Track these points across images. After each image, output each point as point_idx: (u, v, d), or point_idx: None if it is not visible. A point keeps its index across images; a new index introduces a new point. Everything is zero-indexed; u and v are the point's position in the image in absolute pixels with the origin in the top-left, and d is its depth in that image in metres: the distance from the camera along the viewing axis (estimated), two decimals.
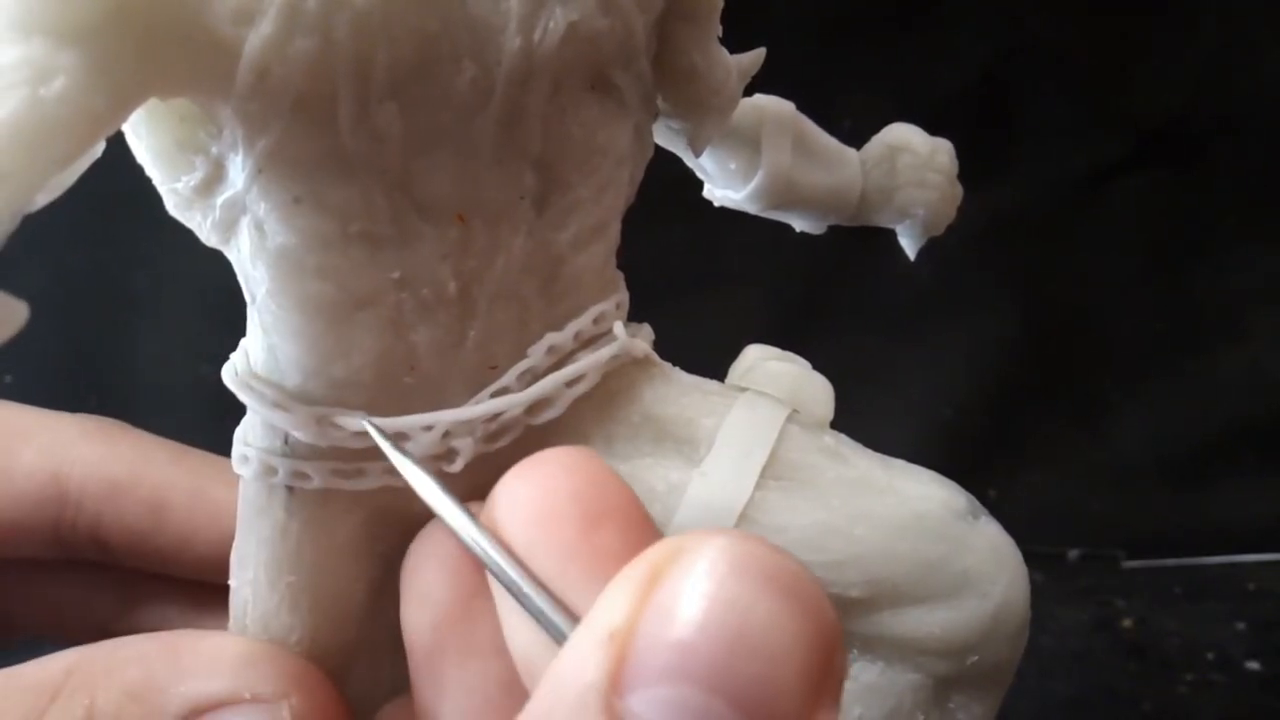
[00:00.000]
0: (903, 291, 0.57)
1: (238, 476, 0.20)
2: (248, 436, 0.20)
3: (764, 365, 0.22)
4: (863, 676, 0.20)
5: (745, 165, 0.23)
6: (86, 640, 0.27)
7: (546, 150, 0.19)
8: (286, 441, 0.19)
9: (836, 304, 0.58)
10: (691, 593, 0.13)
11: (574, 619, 0.15)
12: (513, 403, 0.20)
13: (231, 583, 0.20)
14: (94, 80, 0.15)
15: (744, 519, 0.20)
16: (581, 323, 0.20)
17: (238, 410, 0.21)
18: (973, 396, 0.58)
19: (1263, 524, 0.57)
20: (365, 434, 0.19)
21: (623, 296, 0.21)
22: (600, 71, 0.19)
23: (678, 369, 0.22)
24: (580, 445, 0.21)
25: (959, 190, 0.25)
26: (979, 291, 0.58)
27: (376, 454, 0.19)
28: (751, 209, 0.24)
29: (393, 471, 0.19)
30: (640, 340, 0.21)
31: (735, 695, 0.13)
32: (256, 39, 0.16)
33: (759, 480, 0.20)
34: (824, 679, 0.14)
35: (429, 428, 0.19)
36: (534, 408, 0.20)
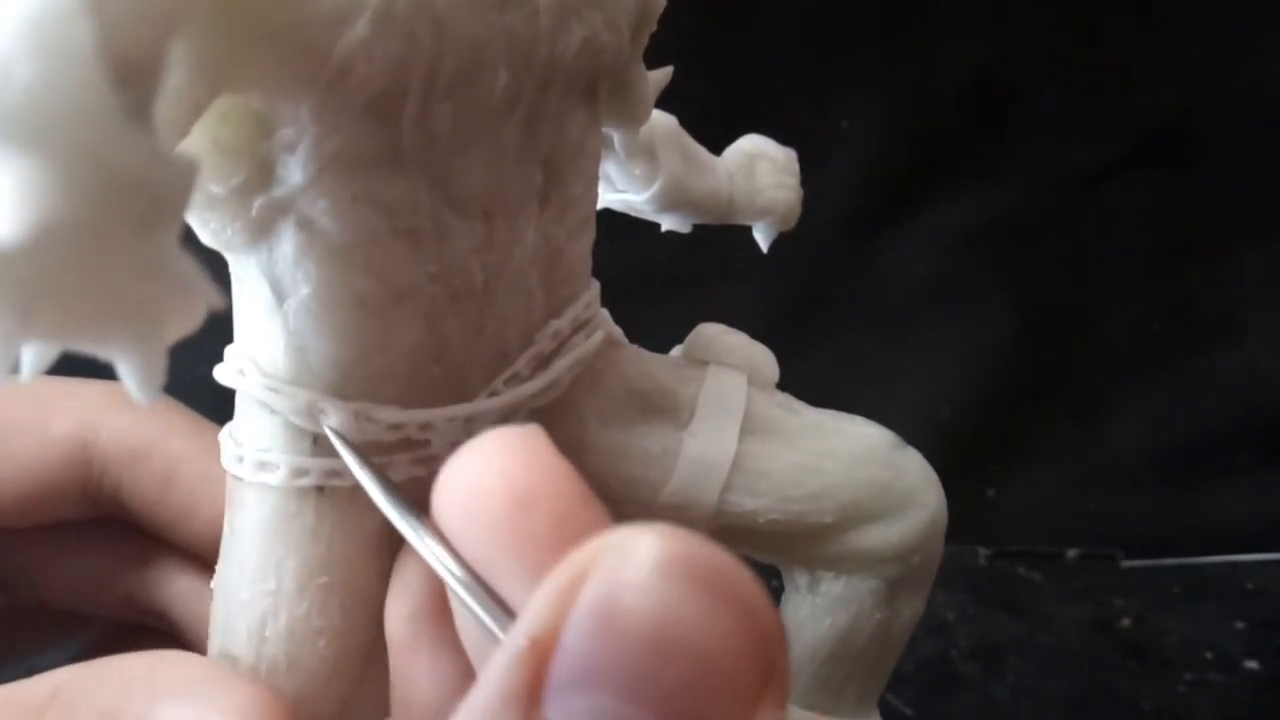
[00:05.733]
0: (901, 291, 0.58)
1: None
2: (264, 442, 0.20)
3: (721, 339, 0.25)
4: (832, 591, 0.24)
5: (647, 171, 0.26)
6: (116, 611, 0.28)
7: (553, 151, 0.20)
8: (315, 442, 0.20)
9: (835, 303, 0.58)
10: (613, 594, 0.13)
11: (506, 613, 0.15)
12: (529, 390, 0.21)
13: (240, 595, 0.20)
14: (196, 71, 0.16)
15: (734, 469, 0.23)
16: (577, 309, 0.22)
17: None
18: (971, 396, 0.58)
19: (1261, 523, 0.57)
20: (399, 425, 0.19)
21: (597, 283, 0.23)
22: (593, 82, 0.21)
23: (640, 348, 0.24)
24: (574, 422, 0.22)
25: (801, 191, 0.29)
26: (977, 291, 0.58)
27: (404, 446, 0.20)
28: (646, 210, 0.27)
29: (419, 462, 0.20)
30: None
31: (660, 703, 0.12)
32: (351, 39, 0.16)
33: (739, 435, 0.23)
34: (764, 680, 0.13)
35: (453, 418, 0.20)
36: (542, 391, 0.21)
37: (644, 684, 0.12)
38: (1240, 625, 0.52)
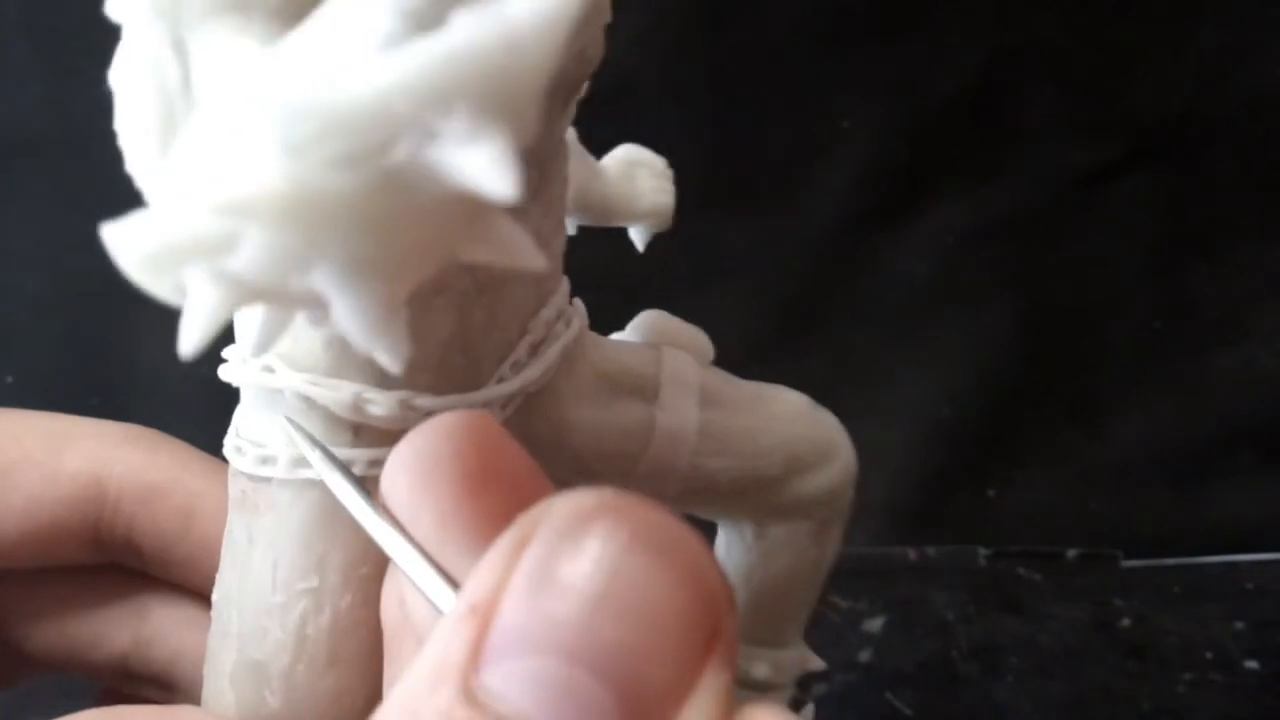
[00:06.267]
0: (900, 291, 0.58)
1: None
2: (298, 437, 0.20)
3: (666, 324, 0.27)
4: (775, 536, 0.28)
5: None
6: (105, 675, 0.27)
7: (544, 152, 0.21)
8: (357, 433, 0.20)
9: (834, 304, 0.58)
10: (553, 556, 0.12)
11: (455, 589, 0.15)
12: (530, 376, 0.22)
13: (273, 599, 0.20)
14: None
15: (701, 435, 0.25)
16: (558, 299, 0.23)
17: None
18: (971, 396, 0.58)
19: (1261, 523, 0.57)
20: (434, 413, 0.20)
21: (566, 278, 0.25)
22: (572, 89, 0.21)
23: (599, 335, 0.26)
24: (554, 404, 0.24)
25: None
26: (977, 291, 0.58)
27: None
28: None
29: None
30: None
31: (601, 665, 0.12)
32: None
33: (699, 406, 0.26)
34: (708, 642, 0.13)
35: (472, 404, 0.21)
36: (539, 377, 0.23)
37: (583, 645, 0.12)
38: (1240, 625, 0.52)
